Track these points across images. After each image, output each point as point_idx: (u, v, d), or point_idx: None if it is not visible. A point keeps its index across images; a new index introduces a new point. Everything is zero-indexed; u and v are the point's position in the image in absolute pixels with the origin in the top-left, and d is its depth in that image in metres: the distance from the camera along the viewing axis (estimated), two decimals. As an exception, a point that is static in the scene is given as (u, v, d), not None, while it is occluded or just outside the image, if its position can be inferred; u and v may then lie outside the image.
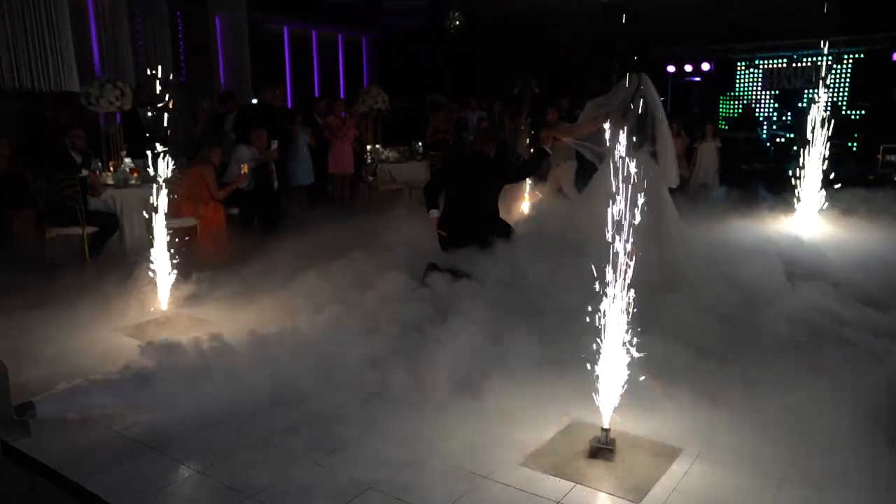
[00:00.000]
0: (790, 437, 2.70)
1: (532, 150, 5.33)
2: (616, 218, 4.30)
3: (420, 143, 9.79)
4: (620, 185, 4.21)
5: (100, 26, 10.86)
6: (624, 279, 2.72)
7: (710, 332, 3.72)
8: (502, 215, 5.39)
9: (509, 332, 3.65)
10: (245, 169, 6.36)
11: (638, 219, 4.09)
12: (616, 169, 4.33)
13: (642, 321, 2.89)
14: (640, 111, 4.48)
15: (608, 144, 4.67)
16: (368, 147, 9.25)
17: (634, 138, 4.43)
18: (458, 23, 10.36)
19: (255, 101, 9.90)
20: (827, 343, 3.58)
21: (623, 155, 4.34)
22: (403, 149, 9.62)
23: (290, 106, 15.24)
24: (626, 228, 3.89)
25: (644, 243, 4.13)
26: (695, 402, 2.98)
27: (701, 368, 3.31)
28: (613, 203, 4.18)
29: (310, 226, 6.90)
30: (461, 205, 5.02)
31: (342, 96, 16.24)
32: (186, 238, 6.22)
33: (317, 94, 16.54)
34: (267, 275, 5.09)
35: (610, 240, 2.83)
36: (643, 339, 2.79)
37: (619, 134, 4.31)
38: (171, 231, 4.60)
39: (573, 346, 3.07)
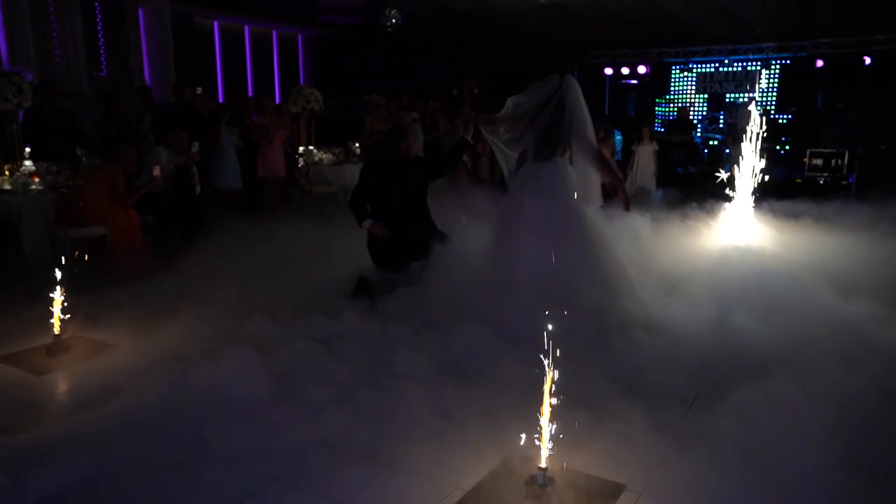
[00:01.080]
0: (744, 470, 2.54)
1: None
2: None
3: (357, 145, 9.45)
4: (527, 200, 4.05)
5: (8, 18, 10.07)
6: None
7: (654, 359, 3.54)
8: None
9: (442, 362, 3.40)
10: (157, 171, 5.87)
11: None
12: (522, 180, 4.18)
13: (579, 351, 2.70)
14: (555, 116, 4.06)
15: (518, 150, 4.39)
16: (301, 149, 8.85)
17: (545, 147, 4.12)
18: (395, 20, 10.03)
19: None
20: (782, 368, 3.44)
21: (529, 165, 4.14)
22: (339, 150, 9.25)
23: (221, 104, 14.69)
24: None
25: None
26: (639, 434, 2.78)
27: (642, 397, 3.13)
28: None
29: (234, 233, 6.49)
30: (387, 214, 4.73)
31: (277, 95, 15.70)
32: (88, 249, 5.73)
33: (250, 92, 15.90)
34: (181, 290, 4.68)
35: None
36: (580, 368, 2.58)
37: (529, 139, 4.14)
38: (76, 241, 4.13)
39: (509, 377, 2.84)
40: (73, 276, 4.10)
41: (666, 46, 12.23)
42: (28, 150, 6.51)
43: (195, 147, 6.42)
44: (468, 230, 5.37)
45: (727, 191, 7.46)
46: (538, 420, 2.46)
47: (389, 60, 15.74)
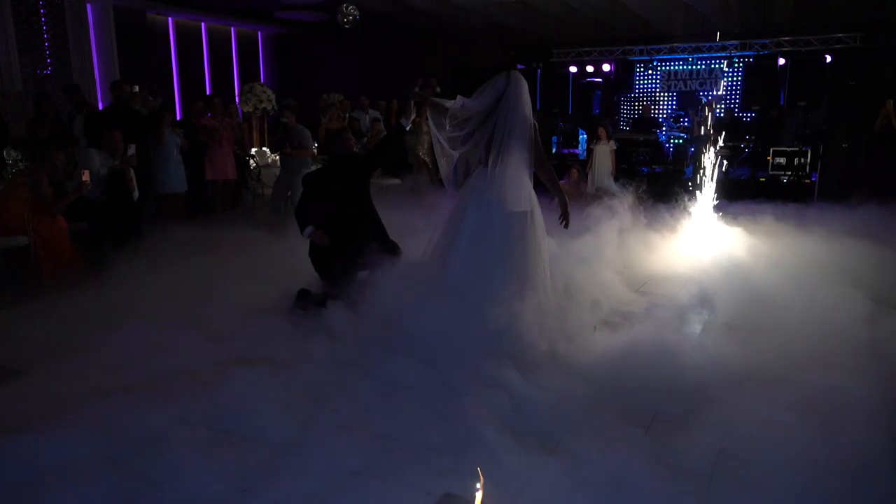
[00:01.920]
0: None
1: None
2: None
3: (315, 145, 9.12)
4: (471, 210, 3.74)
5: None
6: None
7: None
8: None
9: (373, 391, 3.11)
10: (86, 176, 5.47)
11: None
12: (471, 186, 3.84)
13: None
14: (504, 118, 3.77)
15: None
16: (253, 150, 8.50)
17: (494, 151, 3.82)
18: (352, 17, 9.69)
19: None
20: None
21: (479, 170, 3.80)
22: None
23: (177, 105, 14.14)
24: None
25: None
26: (581, 467, 2.53)
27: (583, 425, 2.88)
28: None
29: (173, 242, 6.12)
30: (331, 220, 4.44)
31: (237, 94, 15.25)
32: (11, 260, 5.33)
33: (208, 91, 15.42)
34: (108, 307, 4.32)
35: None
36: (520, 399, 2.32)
37: (480, 143, 3.82)
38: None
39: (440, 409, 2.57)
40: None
41: (630, 44, 12.10)
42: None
43: (131, 149, 6.03)
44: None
45: (689, 191, 7.34)
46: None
47: (350, 59, 15.41)
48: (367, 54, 15.11)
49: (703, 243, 6.33)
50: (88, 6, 12.33)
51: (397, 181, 9.83)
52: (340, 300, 4.23)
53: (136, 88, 6.94)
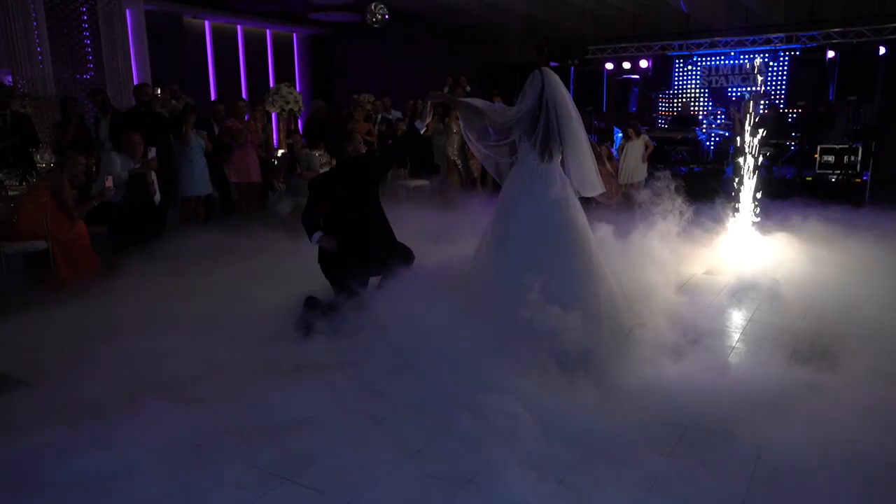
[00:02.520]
0: None
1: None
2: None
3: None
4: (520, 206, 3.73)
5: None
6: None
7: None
8: None
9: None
10: (110, 182, 5.46)
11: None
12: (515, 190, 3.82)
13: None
14: (548, 116, 3.74)
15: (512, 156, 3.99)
16: (280, 152, 8.43)
17: (540, 149, 3.78)
18: (380, 16, 9.55)
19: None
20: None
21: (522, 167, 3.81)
22: (321, 153, 8.82)
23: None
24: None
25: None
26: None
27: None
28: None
29: (194, 243, 6.09)
30: (338, 224, 4.29)
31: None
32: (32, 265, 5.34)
33: (244, 93, 15.54)
34: (123, 314, 4.25)
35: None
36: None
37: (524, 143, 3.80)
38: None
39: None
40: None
41: (669, 39, 11.69)
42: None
43: (152, 152, 6.00)
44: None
45: (729, 192, 6.95)
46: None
47: (384, 59, 15.33)
48: (400, 54, 15.01)
49: (733, 249, 5.96)
50: (127, 11, 12.56)
51: (425, 183, 9.67)
52: (350, 307, 4.10)
53: (158, 91, 6.92)
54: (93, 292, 4.73)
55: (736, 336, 4.15)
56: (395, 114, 10.27)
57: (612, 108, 12.06)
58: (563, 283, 3.61)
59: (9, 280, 5.12)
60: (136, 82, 12.65)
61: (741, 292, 4.92)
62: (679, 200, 6.36)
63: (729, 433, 2.79)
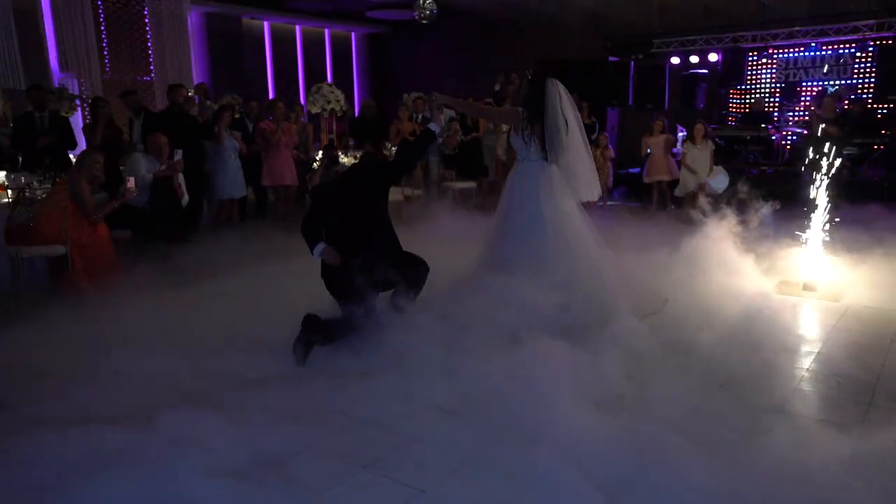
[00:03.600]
0: None
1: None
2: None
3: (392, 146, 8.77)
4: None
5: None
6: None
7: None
8: None
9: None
10: (131, 183, 5.34)
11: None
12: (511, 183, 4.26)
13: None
14: (552, 120, 4.18)
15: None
16: (320, 154, 8.21)
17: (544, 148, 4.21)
18: (428, 11, 9.24)
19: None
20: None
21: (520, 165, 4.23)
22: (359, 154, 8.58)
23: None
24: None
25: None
26: None
27: None
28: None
29: (222, 247, 5.93)
30: (342, 236, 3.95)
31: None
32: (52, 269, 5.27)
33: (302, 93, 15.58)
34: (121, 328, 4.07)
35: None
36: None
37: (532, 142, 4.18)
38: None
39: None
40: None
41: (742, 31, 10.80)
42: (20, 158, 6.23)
43: (178, 154, 5.86)
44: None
45: (805, 196, 6.17)
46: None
47: (439, 56, 15.01)
48: (456, 50, 14.65)
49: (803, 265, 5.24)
50: (188, 13, 12.77)
51: (472, 185, 9.27)
52: (356, 327, 3.76)
53: (190, 92, 6.81)
54: (99, 301, 4.57)
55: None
56: (448, 112, 9.91)
57: (675, 105, 11.26)
58: (542, 258, 4.08)
59: (26, 285, 5.05)
60: (195, 83, 12.90)
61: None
62: (750, 207, 5.74)
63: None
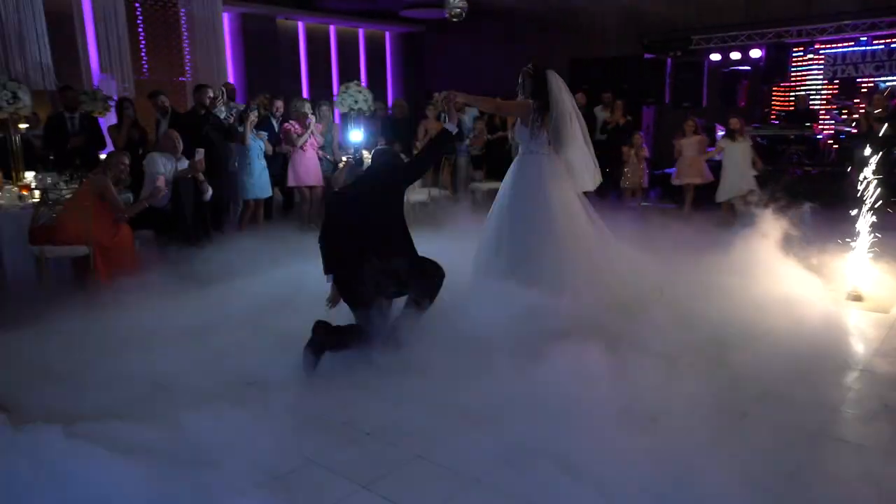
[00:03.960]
0: None
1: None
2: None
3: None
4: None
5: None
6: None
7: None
8: None
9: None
10: (161, 182, 5.33)
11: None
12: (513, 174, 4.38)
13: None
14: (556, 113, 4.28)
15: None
16: (345, 158, 8.10)
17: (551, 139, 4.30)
18: (459, 9, 9.07)
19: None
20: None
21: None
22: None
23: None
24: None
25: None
26: None
27: None
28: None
29: (242, 247, 5.89)
30: (359, 235, 3.82)
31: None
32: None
33: (335, 92, 15.60)
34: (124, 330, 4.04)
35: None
36: None
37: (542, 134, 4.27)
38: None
39: None
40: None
41: (786, 25, 10.35)
42: (52, 157, 6.30)
43: (199, 154, 5.82)
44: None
45: (851, 199, 5.82)
46: None
47: (473, 54, 14.84)
48: (490, 49, 14.45)
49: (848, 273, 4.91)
50: (224, 14, 12.90)
51: (500, 185, 9.06)
52: (369, 335, 3.65)
53: (213, 93, 6.79)
54: (119, 301, 4.55)
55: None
56: (472, 112, 9.75)
57: (713, 104, 10.86)
58: (549, 251, 4.16)
59: (49, 285, 5.07)
60: (222, 83, 12.99)
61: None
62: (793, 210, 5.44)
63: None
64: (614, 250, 4.51)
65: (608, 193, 9.48)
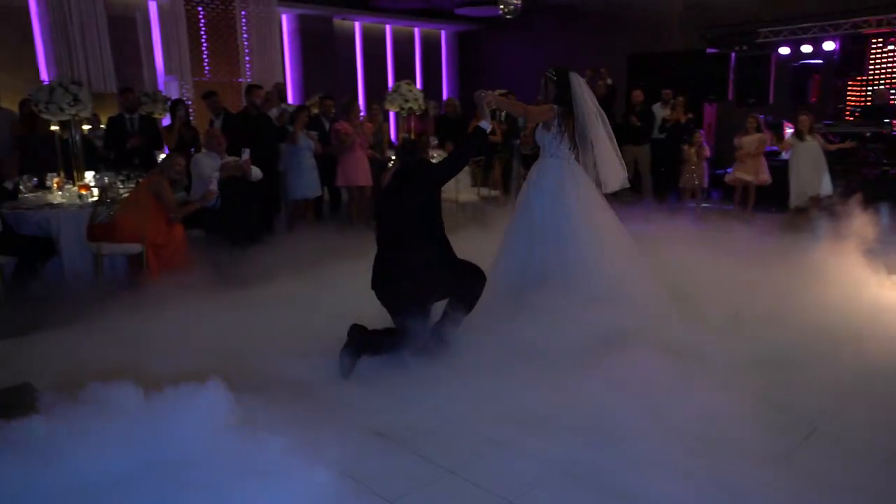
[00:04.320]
0: None
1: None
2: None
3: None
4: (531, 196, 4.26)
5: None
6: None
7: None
8: None
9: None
10: (214, 185, 5.42)
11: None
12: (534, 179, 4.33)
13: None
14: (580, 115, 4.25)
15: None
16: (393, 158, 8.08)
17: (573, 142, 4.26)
18: (512, 6, 8.95)
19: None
20: None
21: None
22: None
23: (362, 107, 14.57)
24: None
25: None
26: None
27: None
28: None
29: (291, 247, 5.91)
30: (394, 236, 3.73)
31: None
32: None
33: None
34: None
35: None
36: None
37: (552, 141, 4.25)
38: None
39: None
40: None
41: (865, 15, 9.71)
42: (112, 157, 6.49)
43: (246, 153, 5.88)
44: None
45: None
46: None
47: (529, 52, 14.61)
48: (545, 46, 14.20)
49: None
50: (283, 15, 13.13)
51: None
52: (406, 340, 3.56)
53: (265, 93, 6.86)
54: (169, 300, 4.61)
55: None
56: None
57: (781, 100, 10.29)
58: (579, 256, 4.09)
59: (105, 282, 5.21)
60: (289, 84, 13.25)
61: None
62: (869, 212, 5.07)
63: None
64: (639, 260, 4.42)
65: (667, 194, 9.14)
